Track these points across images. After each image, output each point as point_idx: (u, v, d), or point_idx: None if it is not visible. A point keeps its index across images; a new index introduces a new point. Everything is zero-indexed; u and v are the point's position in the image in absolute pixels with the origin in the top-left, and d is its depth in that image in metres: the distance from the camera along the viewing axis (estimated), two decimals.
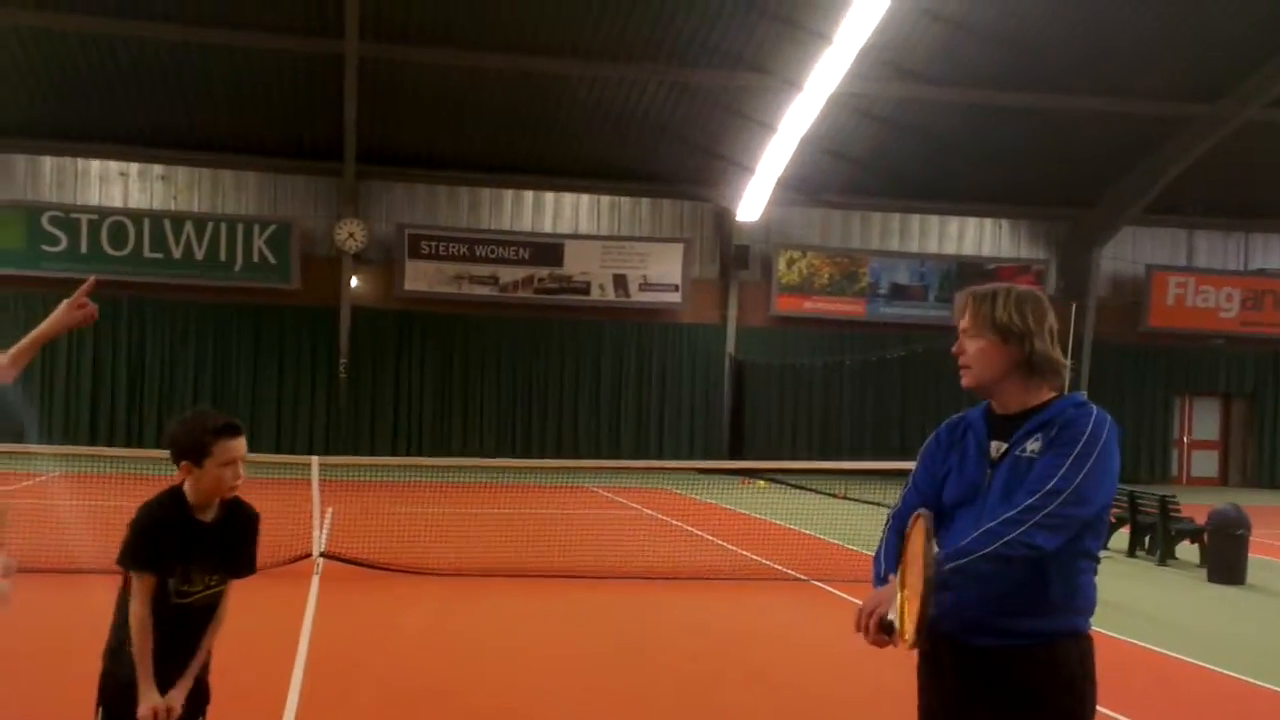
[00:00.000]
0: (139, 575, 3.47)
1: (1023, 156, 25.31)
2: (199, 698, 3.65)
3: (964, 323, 3.14)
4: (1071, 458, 2.90)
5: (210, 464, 3.46)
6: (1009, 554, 2.85)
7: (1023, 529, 2.85)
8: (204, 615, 3.61)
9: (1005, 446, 3.05)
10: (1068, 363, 3.14)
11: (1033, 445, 2.98)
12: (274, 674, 6.88)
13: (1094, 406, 3.01)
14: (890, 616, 2.90)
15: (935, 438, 3.27)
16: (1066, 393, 3.13)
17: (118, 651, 3.53)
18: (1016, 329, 3.04)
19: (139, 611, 3.45)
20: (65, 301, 3.59)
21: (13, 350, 3.53)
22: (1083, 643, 3.01)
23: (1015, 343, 3.04)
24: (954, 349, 3.15)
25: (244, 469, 3.56)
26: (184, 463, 3.50)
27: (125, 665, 3.48)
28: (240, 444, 3.53)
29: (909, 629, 2.82)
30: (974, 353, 3.09)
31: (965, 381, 3.14)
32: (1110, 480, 2.96)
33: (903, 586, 2.88)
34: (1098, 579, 3.10)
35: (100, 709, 3.56)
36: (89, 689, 3.59)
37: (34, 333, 3.58)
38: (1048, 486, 2.87)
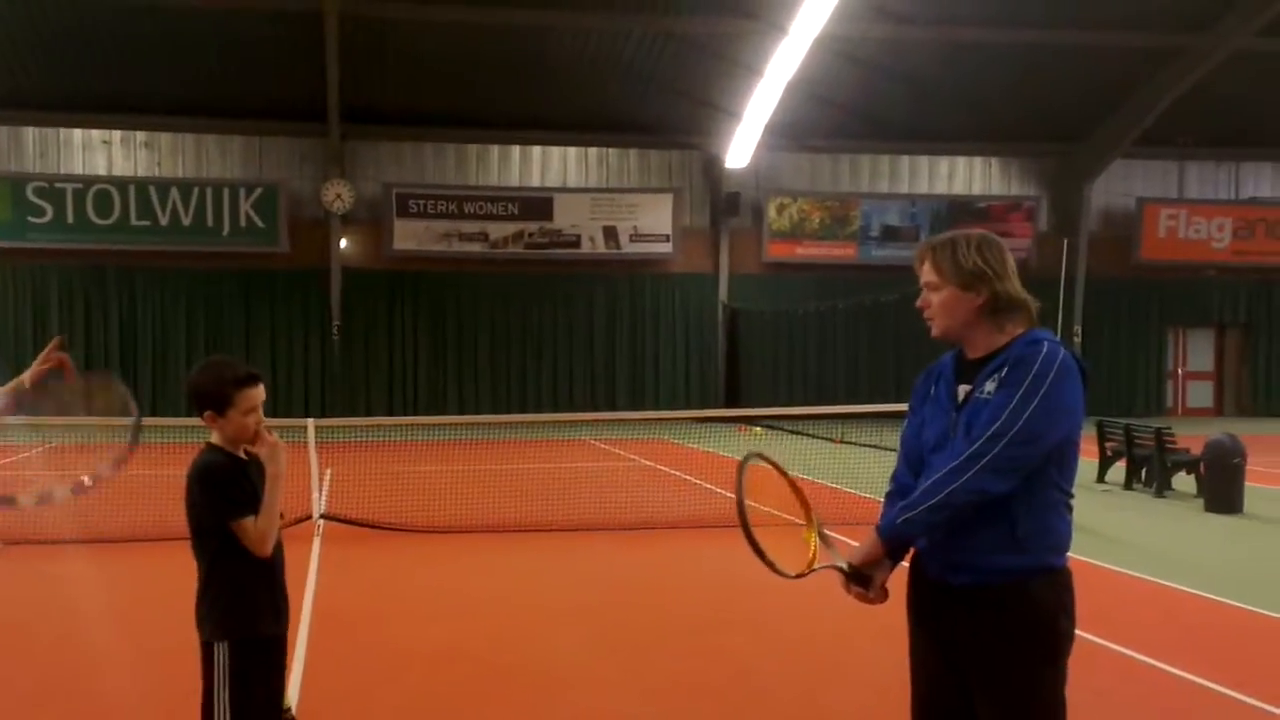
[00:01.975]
0: (242, 521, 3.62)
1: (1010, 94, 25.11)
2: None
3: (924, 275, 3.14)
4: (1018, 397, 2.89)
5: (234, 413, 3.62)
6: (956, 501, 2.91)
7: (968, 476, 2.89)
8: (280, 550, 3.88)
9: (969, 389, 3.05)
10: (1034, 300, 3.11)
11: (990, 386, 2.98)
12: None
13: (1047, 342, 2.99)
14: (839, 565, 3.18)
15: (914, 388, 3.30)
16: (1049, 331, 3.12)
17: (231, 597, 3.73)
18: (979, 273, 3.04)
19: (264, 549, 3.70)
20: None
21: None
22: (1058, 578, 3.03)
23: (979, 288, 3.04)
24: (919, 303, 3.16)
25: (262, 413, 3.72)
26: (208, 412, 3.64)
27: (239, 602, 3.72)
28: (259, 391, 3.69)
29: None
30: (939, 303, 3.10)
31: (934, 332, 3.16)
32: (1063, 414, 2.93)
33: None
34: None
35: (222, 643, 3.70)
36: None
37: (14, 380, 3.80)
38: (992, 430, 2.89)
